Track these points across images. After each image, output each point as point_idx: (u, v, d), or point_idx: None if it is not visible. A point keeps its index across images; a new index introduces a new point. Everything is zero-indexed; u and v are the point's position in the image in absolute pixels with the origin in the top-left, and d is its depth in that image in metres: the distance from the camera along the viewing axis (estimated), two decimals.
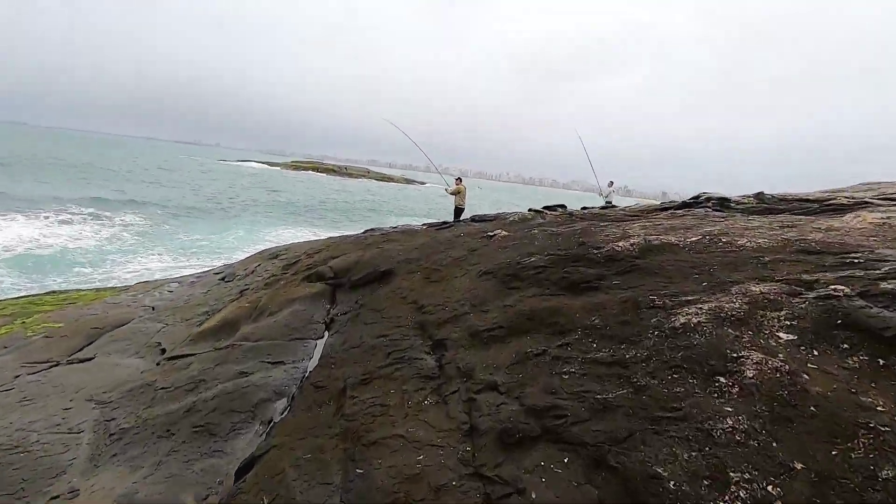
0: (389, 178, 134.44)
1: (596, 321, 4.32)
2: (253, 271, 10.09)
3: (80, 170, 50.62)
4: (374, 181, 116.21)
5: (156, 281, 12.10)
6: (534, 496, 2.91)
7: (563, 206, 12.18)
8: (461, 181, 13.43)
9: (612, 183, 17.09)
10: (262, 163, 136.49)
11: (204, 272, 12.03)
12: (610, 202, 15.79)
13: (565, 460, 3.07)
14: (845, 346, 3.21)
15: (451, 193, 13.29)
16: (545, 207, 11.90)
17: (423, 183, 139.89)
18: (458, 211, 13.19)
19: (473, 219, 12.18)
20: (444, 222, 12.36)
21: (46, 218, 23.46)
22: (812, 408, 2.76)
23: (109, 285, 13.78)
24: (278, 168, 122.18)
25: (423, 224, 12.43)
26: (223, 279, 10.22)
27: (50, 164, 51.68)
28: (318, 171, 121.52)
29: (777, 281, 4.21)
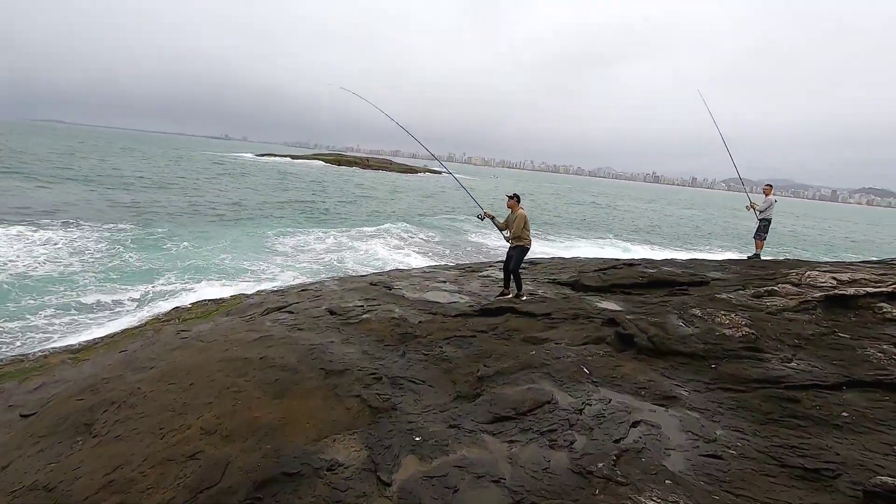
0: (412, 170, 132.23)
1: None
2: None
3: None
4: (393, 173, 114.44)
5: None
6: None
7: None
8: (518, 200, 8.27)
9: (769, 188, 11.67)
10: (264, 155, 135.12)
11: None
12: (767, 222, 11.57)
13: None
14: None
15: (500, 228, 8.51)
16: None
17: (438, 172, 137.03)
18: (518, 254, 8.19)
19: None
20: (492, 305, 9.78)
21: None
22: None
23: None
24: (287, 158, 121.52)
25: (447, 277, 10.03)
26: None
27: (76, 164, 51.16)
28: (339, 164, 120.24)
29: None
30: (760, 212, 11.16)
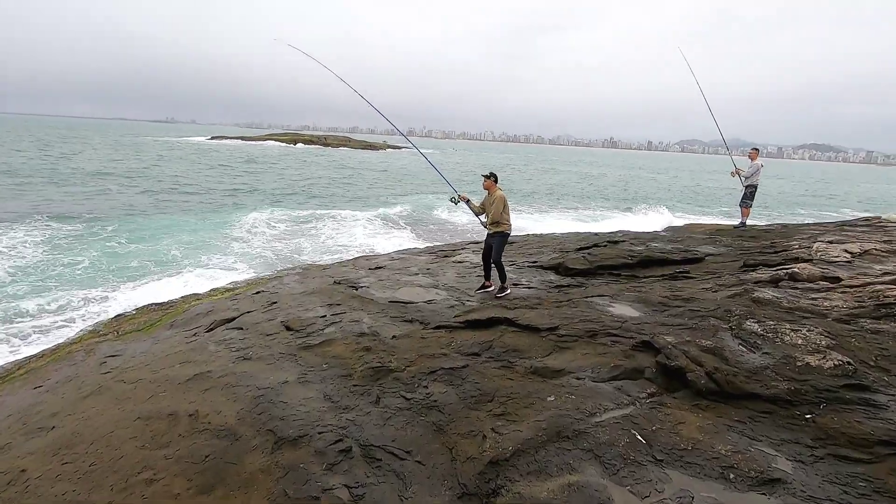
0: (372, 146, 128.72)
1: None
2: None
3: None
4: (354, 150, 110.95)
5: None
6: None
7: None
8: (495, 180, 7.23)
9: (756, 152, 10.79)
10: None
11: None
12: (753, 188, 10.75)
13: None
14: None
15: (477, 213, 7.54)
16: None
17: (399, 148, 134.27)
18: (498, 242, 7.15)
19: None
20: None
21: None
22: None
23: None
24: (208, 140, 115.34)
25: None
26: None
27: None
28: (295, 144, 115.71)
29: None
30: (746, 178, 10.54)
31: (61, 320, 13.12)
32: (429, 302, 7.01)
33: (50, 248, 18.61)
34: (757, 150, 10.66)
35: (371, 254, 15.81)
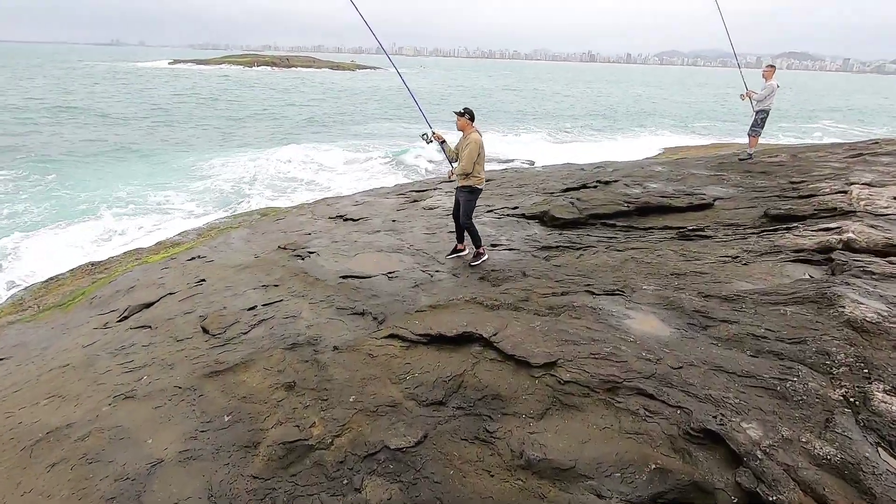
0: (338, 66, 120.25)
1: None
2: None
3: None
4: (320, 70, 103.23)
5: None
6: None
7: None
8: (472, 118, 5.66)
9: (771, 69, 9.03)
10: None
11: None
12: (765, 113, 9.10)
13: None
14: None
15: (451, 159, 6.11)
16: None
17: (375, 68, 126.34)
18: (466, 199, 5.79)
19: None
20: None
21: None
22: None
23: None
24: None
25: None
26: None
27: None
28: (253, 66, 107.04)
29: None
30: (758, 101, 9.04)
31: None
32: (389, 275, 5.72)
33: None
34: (773, 67, 9.01)
35: (334, 197, 14.19)
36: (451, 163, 6.17)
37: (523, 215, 8.15)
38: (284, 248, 7.28)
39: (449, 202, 10.26)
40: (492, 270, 5.47)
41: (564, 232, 7.02)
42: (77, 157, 22.99)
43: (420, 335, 3.51)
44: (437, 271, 5.79)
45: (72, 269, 11.35)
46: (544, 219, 7.79)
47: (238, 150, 25.65)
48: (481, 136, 5.69)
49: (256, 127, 33.52)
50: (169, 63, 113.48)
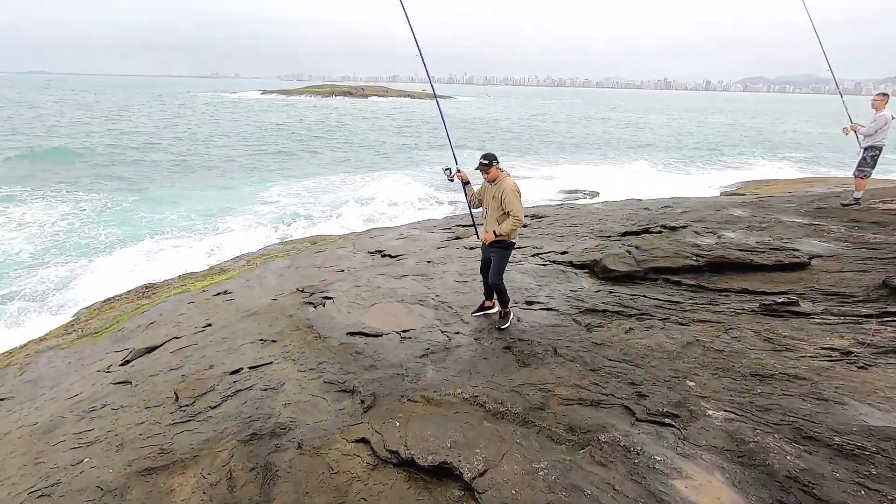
0: (408, 94, 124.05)
1: None
2: None
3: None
4: (387, 99, 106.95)
5: None
6: None
7: None
8: (495, 164, 4.70)
9: (884, 98, 7.49)
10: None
11: None
12: (875, 151, 7.55)
13: None
14: None
15: (472, 205, 5.21)
16: None
17: (447, 97, 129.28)
18: (498, 257, 4.88)
19: None
20: None
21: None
22: None
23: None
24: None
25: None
26: None
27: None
28: (328, 96, 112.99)
29: None
30: (866, 136, 7.45)
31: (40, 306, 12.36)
32: (402, 335, 4.94)
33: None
34: (885, 95, 7.38)
35: (381, 228, 13.77)
36: (470, 209, 5.32)
37: (571, 263, 7.13)
38: (302, 291, 6.75)
39: None
40: (519, 339, 4.54)
41: (616, 289, 5.93)
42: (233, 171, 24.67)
43: (391, 452, 2.67)
44: (457, 333, 4.94)
45: (128, 291, 11.57)
46: (595, 269, 6.73)
47: (317, 176, 26.32)
48: (514, 181, 4.86)
49: (336, 153, 34.62)
50: (261, 94, 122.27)
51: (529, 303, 5.59)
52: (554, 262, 7.38)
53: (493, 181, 4.82)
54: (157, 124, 48.29)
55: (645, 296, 5.49)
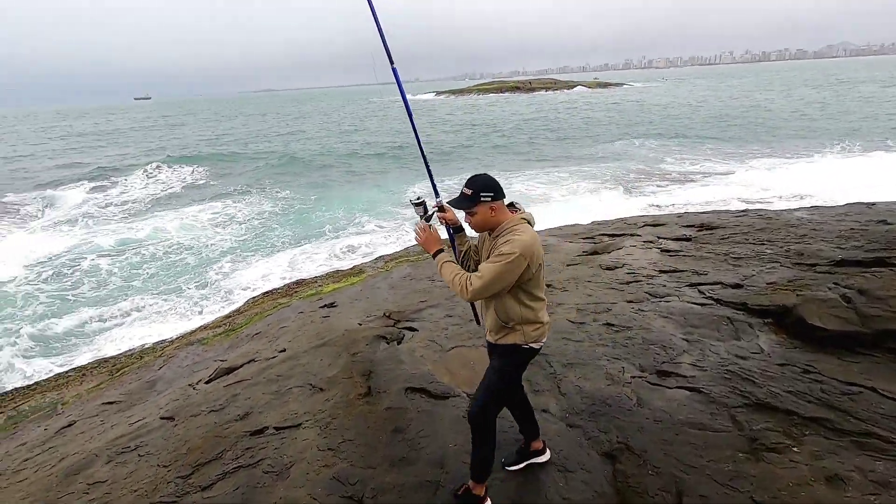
0: (576, 84, 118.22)
1: None
2: None
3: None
4: (550, 92, 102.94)
5: None
6: None
7: None
8: (498, 198, 2.37)
9: None
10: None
11: None
12: None
13: None
14: None
15: (461, 259, 2.83)
16: None
17: (619, 84, 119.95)
18: (502, 369, 2.55)
19: None
20: None
21: None
22: None
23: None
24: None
25: None
26: None
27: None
28: (498, 93, 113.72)
29: None
30: None
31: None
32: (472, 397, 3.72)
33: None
34: None
35: None
36: (462, 265, 2.80)
37: (745, 305, 4.95)
38: (388, 317, 5.91)
39: (638, 261, 7.46)
40: (627, 446, 2.91)
41: (820, 358, 3.75)
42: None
43: None
44: (543, 411, 3.51)
45: (281, 287, 12.25)
46: (785, 320, 4.50)
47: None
48: (532, 226, 2.51)
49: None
50: (435, 95, 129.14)
51: (662, 373, 3.81)
52: (719, 300, 5.24)
53: (493, 231, 2.49)
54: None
55: (874, 388, 3.27)
